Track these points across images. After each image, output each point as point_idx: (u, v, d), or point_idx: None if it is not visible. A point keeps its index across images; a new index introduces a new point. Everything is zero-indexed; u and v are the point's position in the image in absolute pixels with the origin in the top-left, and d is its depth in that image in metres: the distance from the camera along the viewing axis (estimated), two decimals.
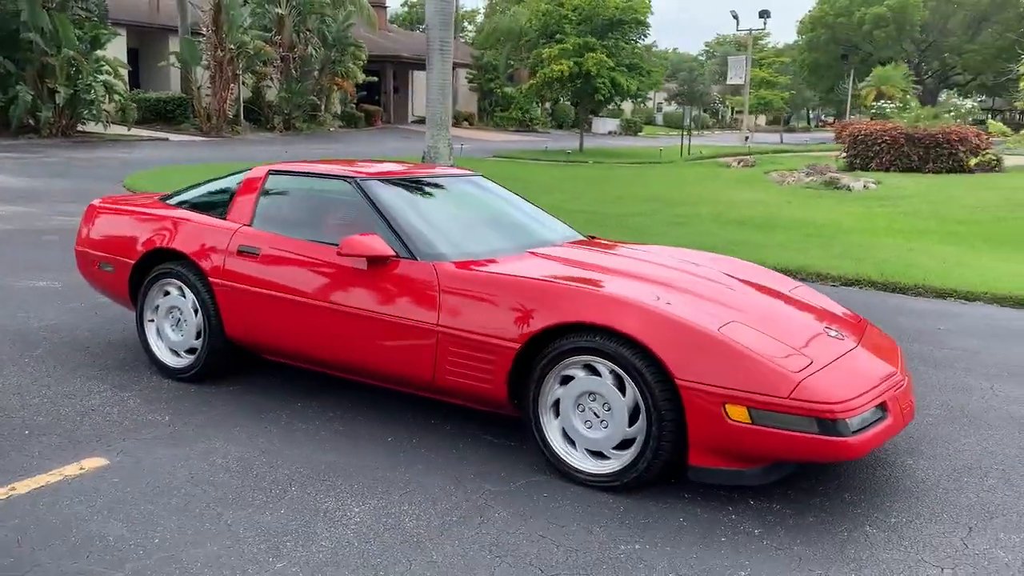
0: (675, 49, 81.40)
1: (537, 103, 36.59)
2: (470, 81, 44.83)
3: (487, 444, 3.80)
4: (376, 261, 3.84)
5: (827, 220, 13.01)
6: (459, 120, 44.70)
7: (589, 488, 3.36)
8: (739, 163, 21.25)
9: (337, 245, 4.01)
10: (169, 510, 3.10)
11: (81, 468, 3.42)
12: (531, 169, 20.75)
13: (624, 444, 3.31)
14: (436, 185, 4.61)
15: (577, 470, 3.40)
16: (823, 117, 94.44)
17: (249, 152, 22.65)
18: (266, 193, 4.43)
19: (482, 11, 63.86)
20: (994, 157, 17.68)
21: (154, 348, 4.60)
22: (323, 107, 33.83)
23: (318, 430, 3.92)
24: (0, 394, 4.24)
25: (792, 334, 3.44)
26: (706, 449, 3.15)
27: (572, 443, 3.44)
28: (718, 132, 69.33)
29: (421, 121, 43.50)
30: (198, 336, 4.44)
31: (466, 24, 64.79)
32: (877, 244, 10.76)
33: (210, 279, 4.29)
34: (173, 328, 4.53)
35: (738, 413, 3.06)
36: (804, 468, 3.50)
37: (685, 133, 28.55)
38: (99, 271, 4.85)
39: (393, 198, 4.17)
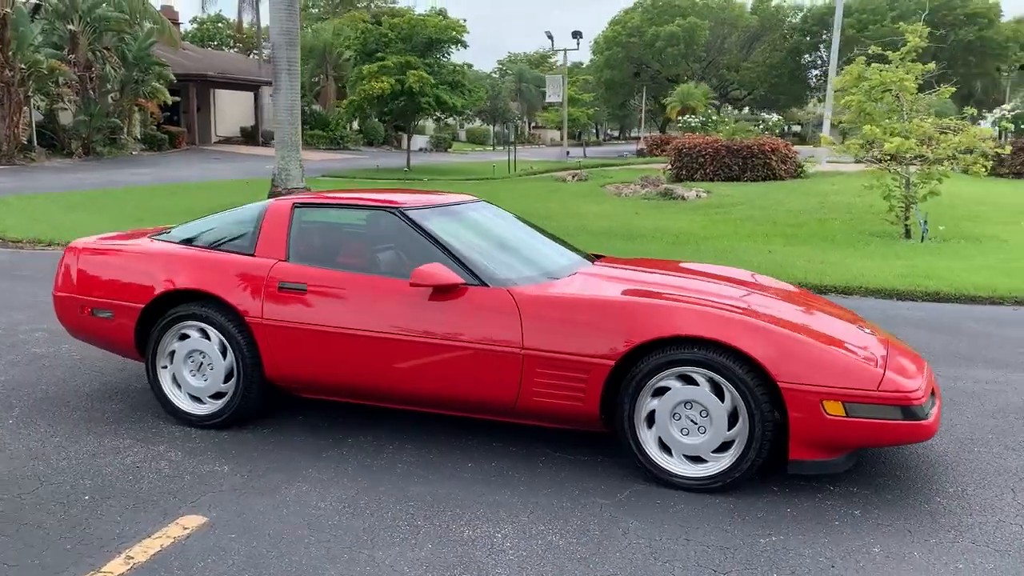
0: (470, 66, 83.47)
1: (354, 119, 36.14)
2: None
3: (564, 461, 3.93)
4: (445, 290, 3.87)
5: (680, 228, 13.98)
6: (268, 140, 43.38)
7: (687, 491, 3.59)
8: (573, 177, 22.21)
9: (390, 276, 4.04)
10: (317, 559, 3.01)
11: (185, 528, 3.22)
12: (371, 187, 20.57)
13: (723, 447, 3.57)
14: (459, 212, 4.65)
15: (676, 475, 3.62)
16: (609, 131, 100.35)
17: (58, 181, 20.88)
18: (297, 227, 4.30)
19: None
20: (800, 165, 19.72)
21: (171, 396, 4.33)
22: (125, 130, 31.70)
23: (391, 464, 3.88)
24: (16, 461, 3.84)
25: (850, 336, 3.85)
26: (805, 444, 3.48)
27: (668, 451, 3.65)
28: (519, 147, 71.53)
29: (226, 141, 42.01)
30: (227, 380, 4.23)
31: (264, 41, 62.80)
32: (739, 248, 11.73)
33: (247, 319, 4.11)
34: (194, 374, 4.29)
35: (835, 408, 3.41)
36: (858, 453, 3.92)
37: (508, 148, 29.32)
38: (90, 318, 4.48)
39: (441, 227, 4.21)
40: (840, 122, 15.50)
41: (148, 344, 4.32)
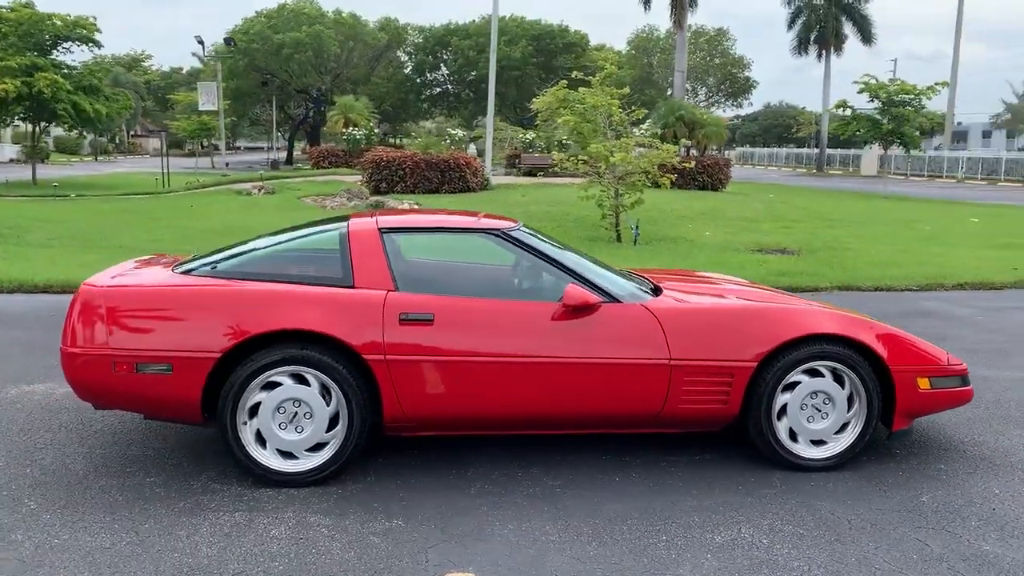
0: (108, 69, 74.79)
1: None
2: None
3: (681, 464, 4.16)
4: (585, 309, 3.90)
5: None
6: None
7: (811, 471, 4.07)
8: (260, 191, 21.16)
9: (515, 299, 4.02)
10: None
11: None
12: (29, 207, 17.72)
13: (842, 428, 4.11)
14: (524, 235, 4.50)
15: (804, 458, 4.08)
16: (213, 142, 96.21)
17: None
18: (393, 254, 3.95)
19: None
20: (487, 178, 21.06)
21: (256, 455, 3.73)
22: None
23: (546, 490, 3.81)
24: (144, 560, 3.09)
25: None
26: (903, 415, 4.16)
27: (794, 438, 4.09)
28: (120, 157, 65.68)
29: None
30: (330, 428, 3.77)
31: None
32: None
33: (365, 357, 3.71)
34: (285, 426, 3.74)
35: (924, 383, 4.13)
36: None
37: (163, 158, 26.89)
38: (131, 376, 3.65)
39: (546, 247, 4.18)
40: (561, 140, 16.94)
41: (225, 399, 3.67)
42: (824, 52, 48.21)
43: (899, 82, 27.36)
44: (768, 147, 68.06)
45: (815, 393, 4.06)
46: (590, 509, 3.61)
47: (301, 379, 3.74)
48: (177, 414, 3.82)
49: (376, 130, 29.90)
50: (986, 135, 72.91)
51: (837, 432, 4.11)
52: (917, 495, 3.83)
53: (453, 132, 29.26)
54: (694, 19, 42.80)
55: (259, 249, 4.10)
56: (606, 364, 3.89)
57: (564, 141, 22.16)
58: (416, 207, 18.07)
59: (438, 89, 55.21)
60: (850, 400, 4.10)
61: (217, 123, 38.52)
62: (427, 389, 3.80)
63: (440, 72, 54.35)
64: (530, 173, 27.80)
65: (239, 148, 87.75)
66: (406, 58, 54.87)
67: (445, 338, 3.81)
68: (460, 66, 51.19)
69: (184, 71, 75.86)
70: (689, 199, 20.69)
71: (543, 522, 3.47)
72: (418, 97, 54.57)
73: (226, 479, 3.83)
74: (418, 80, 54.29)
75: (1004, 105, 65.28)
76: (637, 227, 14.64)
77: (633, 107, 15.94)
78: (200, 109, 33.09)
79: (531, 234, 4.26)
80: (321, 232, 4.12)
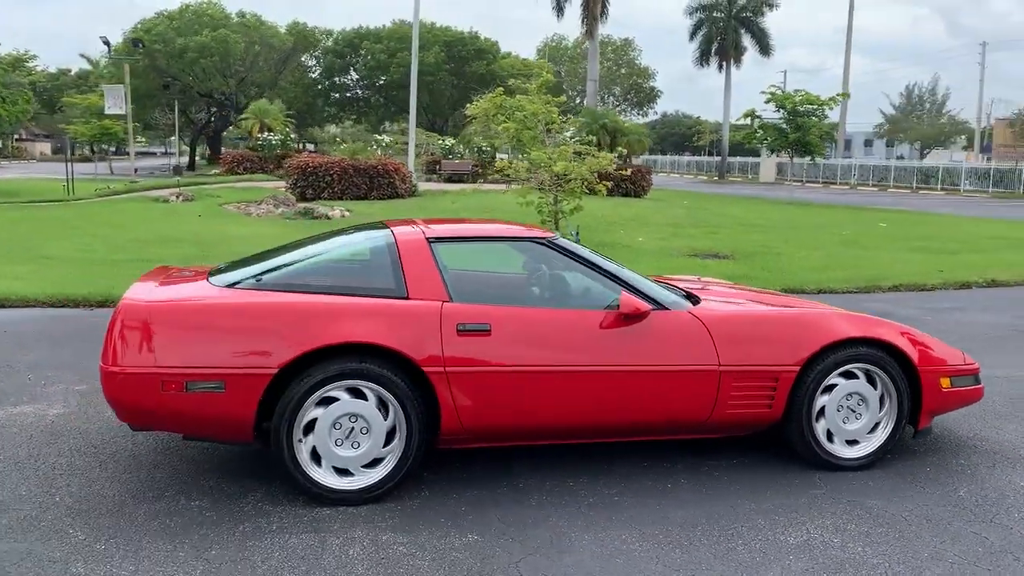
0: (4, 70, 70.59)
1: None
2: None
3: (724, 468, 4.22)
4: (635, 317, 3.91)
5: None
6: None
7: (847, 471, 4.19)
8: (178, 197, 20.31)
9: (564, 308, 4.01)
10: None
11: None
12: None
13: (873, 428, 4.25)
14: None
15: (842, 458, 4.20)
16: (104, 146, 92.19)
17: None
18: (443, 264, 3.87)
19: None
20: (415, 184, 20.87)
21: (312, 474, 3.60)
22: None
23: (604, 499, 3.81)
24: None
25: None
26: (927, 414, 4.33)
27: (830, 438, 4.21)
28: (4, 163, 62.47)
29: None
30: (386, 443, 3.67)
31: None
32: None
33: (425, 369, 3.62)
34: (341, 443, 3.62)
35: (946, 382, 4.33)
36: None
37: (67, 164, 25.50)
38: (180, 396, 3.45)
39: (590, 254, 4.17)
40: (480, 147, 16.96)
41: (281, 416, 3.52)
42: (725, 63, 49.86)
43: (803, 93, 28.48)
44: (666, 155, 69.85)
45: (850, 394, 4.19)
46: (656, 516, 3.63)
47: (358, 393, 3.63)
48: (226, 434, 3.64)
49: (292, 135, 29.26)
50: (868, 143, 76.99)
51: (870, 432, 4.26)
52: (954, 490, 3.99)
53: (380, 138, 28.84)
54: (603, 30, 43.58)
55: (302, 260, 3.96)
56: (658, 371, 3.92)
57: (484, 148, 22.21)
58: (348, 214, 17.78)
59: (348, 93, 54.40)
60: (881, 400, 4.25)
61: (118, 127, 36.82)
62: (485, 400, 3.74)
63: (350, 76, 53.61)
64: (451, 179, 27.79)
65: (129, 154, 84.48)
66: (314, 62, 53.88)
67: (503, 348, 3.76)
68: (371, 70, 50.58)
69: (72, 72, 72.55)
70: (616, 205, 21.03)
71: (618, 531, 3.47)
72: (326, 101, 53.65)
73: (274, 499, 3.67)
74: (327, 83, 53.38)
75: (884, 116, 68.96)
76: (577, 233, 14.75)
77: (569, 115, 16.15)
78: (106, 112, 31.61)
79: (574, 242, 4.27)
80: (364, 242, 4.01)
